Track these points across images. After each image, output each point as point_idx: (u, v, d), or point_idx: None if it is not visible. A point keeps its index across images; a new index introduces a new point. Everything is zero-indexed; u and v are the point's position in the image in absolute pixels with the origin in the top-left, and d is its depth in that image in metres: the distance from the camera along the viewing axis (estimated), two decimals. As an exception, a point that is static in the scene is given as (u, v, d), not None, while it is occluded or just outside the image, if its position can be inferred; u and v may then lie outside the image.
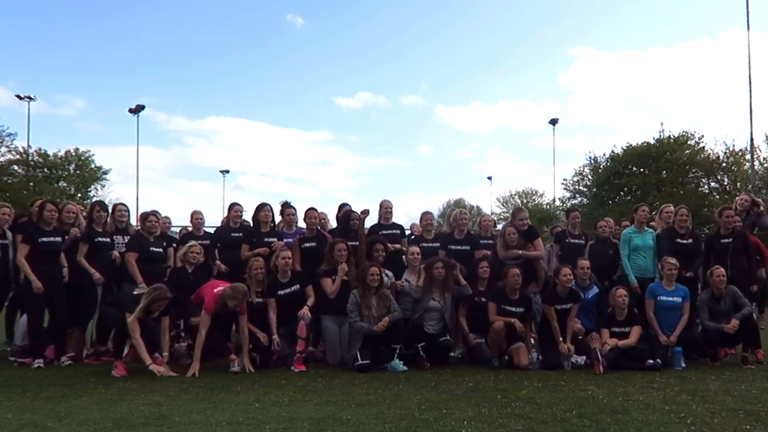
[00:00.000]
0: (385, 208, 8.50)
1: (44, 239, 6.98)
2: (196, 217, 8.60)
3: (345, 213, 8.34)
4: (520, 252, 7.63)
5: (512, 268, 7.27)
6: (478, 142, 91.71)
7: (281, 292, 7.19)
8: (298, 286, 7.27)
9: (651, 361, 6.72)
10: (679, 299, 7.29)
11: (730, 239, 7.77)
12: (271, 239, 7.83)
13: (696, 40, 77.99)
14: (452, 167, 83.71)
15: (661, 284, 7.40)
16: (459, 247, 8.01)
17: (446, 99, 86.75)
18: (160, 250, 7.70)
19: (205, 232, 8.71)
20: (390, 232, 8.26)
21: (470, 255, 7.90)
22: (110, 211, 7.94)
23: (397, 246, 8.07)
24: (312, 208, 8.22)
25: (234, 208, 8.47)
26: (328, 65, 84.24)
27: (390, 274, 7.45)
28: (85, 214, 8.03)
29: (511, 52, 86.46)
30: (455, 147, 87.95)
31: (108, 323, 7.22)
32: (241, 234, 8.13)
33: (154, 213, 7.92)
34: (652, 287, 7.43)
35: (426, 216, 8.57)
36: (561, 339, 7.08)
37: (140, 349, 6.41)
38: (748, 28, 27.00)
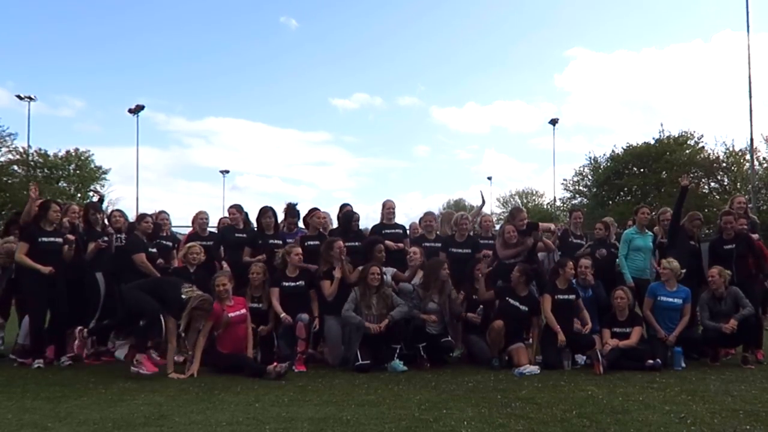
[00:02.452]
0: (388, 208, 8.52)
1: (44, 239, 6.97)
2: (201, 218, 8.62)
3: (346, 214, 8.35)
4: (544, 226, 7.91)
5: (519, 268, 7.27)
6: (474, 143, 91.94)
7: (286, 284, 7.25)
8: (303, 282, 7.33)
9: (651, 362, 6.72)
10: (680, 300, 7.27)
11: (733, 245, 7.67)
12: (275, 241, 7.88)
13: (689, 42, 78.60)
14: (450, 168, 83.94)
15: (663, 284, 7.39)
16: (460, 250, 8.00)
17: (442, 100, 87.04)
18: (155, 250, 7.76)
19: (210, 232, 8.73)
20: (392, 231, 8.28)
21: (471, 258, 7.89)
22: (107, 214, 8.02)
23: (400, 245, 8.09)
24: (315, 208, 8.32)
25: (229, 211, 8.61)
26: (323, 66, 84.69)
27: (390, 272, 7.48)
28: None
29: (506, 53, 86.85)
30: (452, 147, 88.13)
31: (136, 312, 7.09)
32: (244, 235, 8.15)
33: (149, 215, 8.03)
34: (653, 286, 7.42)
35: (427, 216, 8.57)
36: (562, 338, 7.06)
37: (171, 353, 6.46)
38: (748, 31, 26.97)
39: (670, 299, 7.27)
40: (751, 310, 7.07)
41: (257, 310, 7.16)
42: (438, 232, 8.62)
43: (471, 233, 8.46)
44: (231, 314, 6.71)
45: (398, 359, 6.88)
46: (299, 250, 7.42)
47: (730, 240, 7.72)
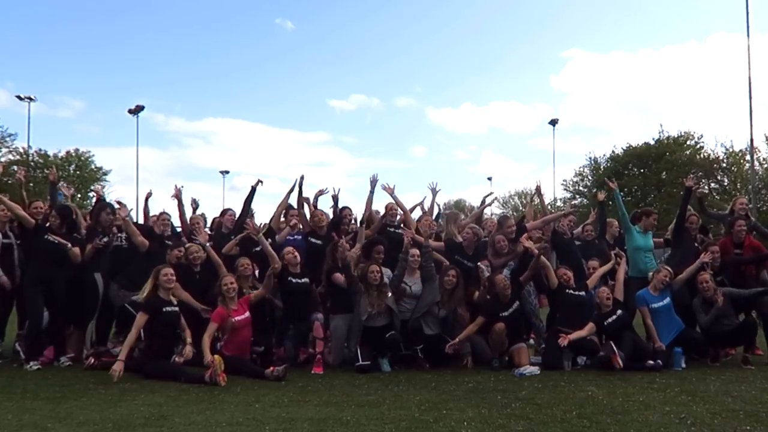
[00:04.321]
0: (390, 210, 8.61)
1: (48, 237, 6.98)
2: (195, 221, 8.63)
3: (335, 216, 8.51)
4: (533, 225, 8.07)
5: (497, 276, 7.20)
6: (471, 144, 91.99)
7: (292, 279, 7.28)
8: (307, 279, 7.38)
9: (651, 362, 6.72)
10: (668, 299, 7.29)
11: (741, 250, 7.70)
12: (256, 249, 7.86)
13: (684, 43, 79.37)
14: (449, 168, 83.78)
15: (648, 291, 7.36)
16: (465, 262, 7.88)
17: (438, 101, 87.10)
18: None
19: (209, 234, 8.75)
20: (398, 231, 8.33)
21: (473, 270, 7.78)
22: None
23: (410, 232, 8.11)
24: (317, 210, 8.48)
25: (227, 213, 8.64)
26: (320, 68, 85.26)
27: (389, 272, 7.47)
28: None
29: (503, 55, 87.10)
30: (450, 148, 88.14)
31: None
32: (232, 236, 8.19)
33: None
34: (641, 296, 7.35)
35: (426, 219, 8.62)
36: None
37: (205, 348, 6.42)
38: (748, 33, 26.99)
39: (661, 303, 7.27)
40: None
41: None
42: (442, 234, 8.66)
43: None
44: (235, 318, 6.69)
45: (388, 360, 6.97)
46: (291, 248, 7.50)
47: (739, 244, 7.73)
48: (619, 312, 7.16)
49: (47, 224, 7.18)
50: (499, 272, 7.33)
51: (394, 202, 8.72)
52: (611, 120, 70.78)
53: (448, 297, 7.16)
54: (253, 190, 8.59)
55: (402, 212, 8.78)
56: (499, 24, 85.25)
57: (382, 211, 8.73)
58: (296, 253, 7.40)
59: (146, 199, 8.65)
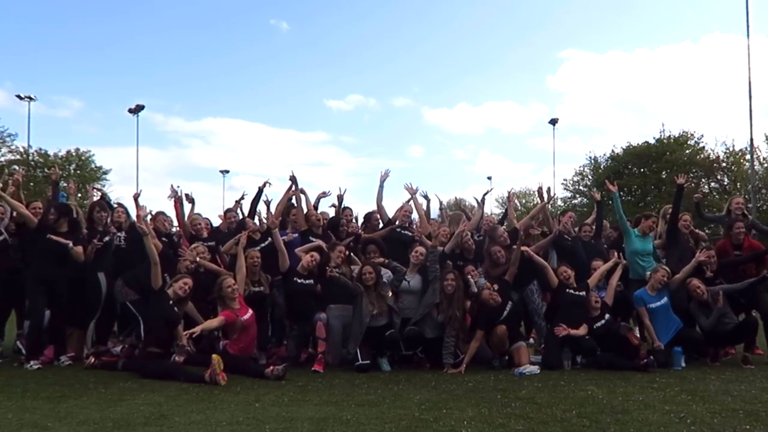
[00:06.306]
0: (405, 212, 8.66)
1: (50, 237, 6.97)
2: (197, 222, 8.62)
3: (333, 219, 8.59)
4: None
5: (483, 293, 7.02)
6: (469, 144, 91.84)
7: (297, 280, 7.29)
8: (312, 281, 7.39)
9: (645, 360, 6.72)
10: (665, 299, 7.29)
11: (740, 252, 7.72)
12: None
13: (679, 43, 79.55)
14: (447, 168, 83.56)
15: (646, 291, 7.36)
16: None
17: (434, 101, 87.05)
18: None
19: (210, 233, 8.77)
20: (404, 233, 8.40)
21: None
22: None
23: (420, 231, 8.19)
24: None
25: (227, 215, 8.70)
26: (317, 68, 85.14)
27: (389, 273, 7.46)
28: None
29: (500, 56, 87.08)
30: (448, 148, 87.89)
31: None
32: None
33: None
34: (639, 296, 7.36)
35: (442, 228, 8.63)
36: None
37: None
38: (748, 34, 27.05)
39: (659, 302, 7.28)
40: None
41: (258, 294, 7.23)
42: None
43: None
44: (243, 317, 6.70)
45: (387, 359, 7.01)
46: (314, 253, 7.48)
47: (738, 246, 7.73)
48: (607, 316, 7.21)
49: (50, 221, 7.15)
50: (486, 286, 7.15)
51: (411, 202, 8.72)
52: (608, 120, 70.81)
53: (448, 303, 7.04)
54: (260, 191, 8.59)
55: (418, 215, 8.78)
56: (495, 25, 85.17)
57: (394, 212, 8.77)
58: (315, 261, 7.35)
59: (135, 199, 8.61)
